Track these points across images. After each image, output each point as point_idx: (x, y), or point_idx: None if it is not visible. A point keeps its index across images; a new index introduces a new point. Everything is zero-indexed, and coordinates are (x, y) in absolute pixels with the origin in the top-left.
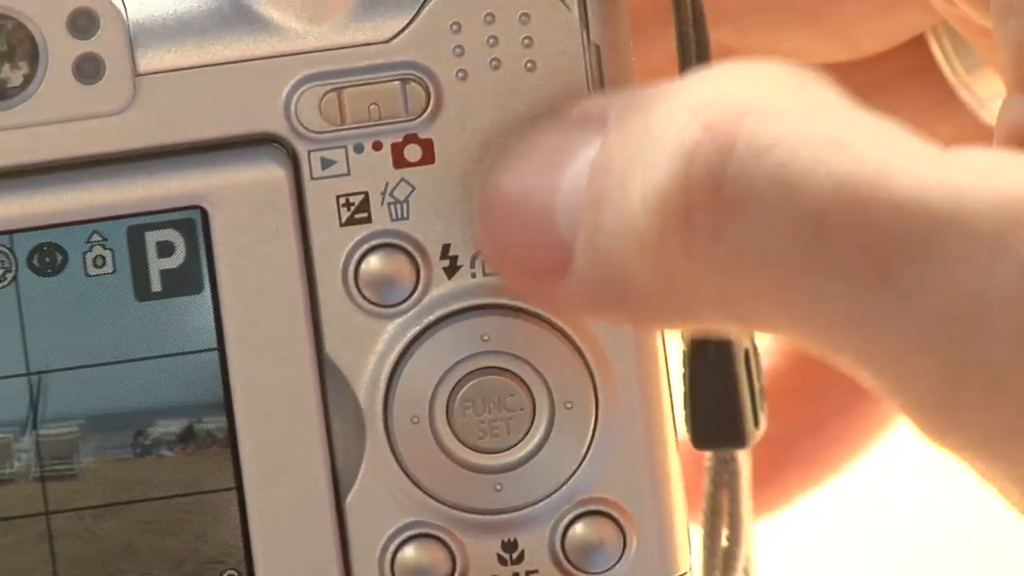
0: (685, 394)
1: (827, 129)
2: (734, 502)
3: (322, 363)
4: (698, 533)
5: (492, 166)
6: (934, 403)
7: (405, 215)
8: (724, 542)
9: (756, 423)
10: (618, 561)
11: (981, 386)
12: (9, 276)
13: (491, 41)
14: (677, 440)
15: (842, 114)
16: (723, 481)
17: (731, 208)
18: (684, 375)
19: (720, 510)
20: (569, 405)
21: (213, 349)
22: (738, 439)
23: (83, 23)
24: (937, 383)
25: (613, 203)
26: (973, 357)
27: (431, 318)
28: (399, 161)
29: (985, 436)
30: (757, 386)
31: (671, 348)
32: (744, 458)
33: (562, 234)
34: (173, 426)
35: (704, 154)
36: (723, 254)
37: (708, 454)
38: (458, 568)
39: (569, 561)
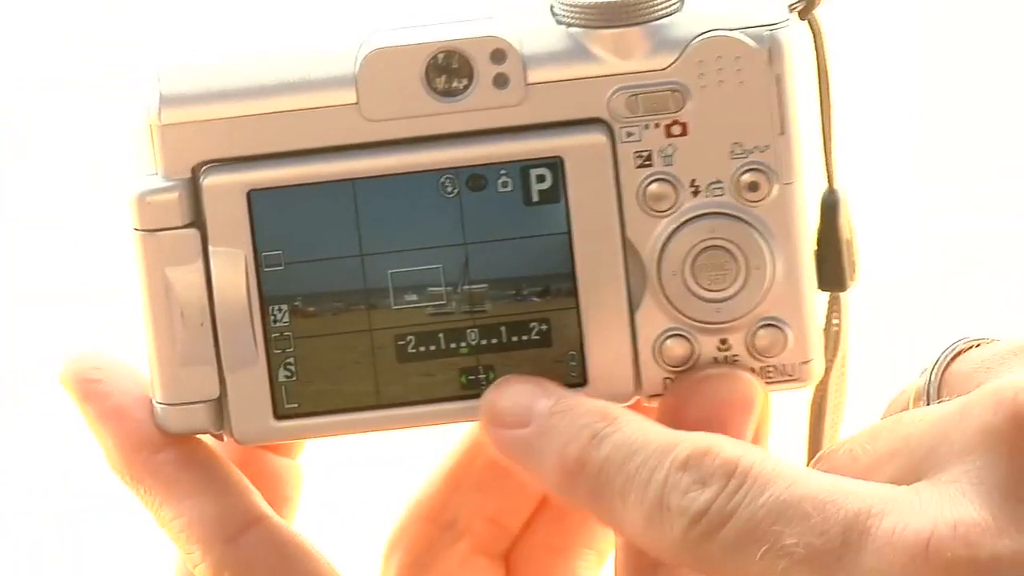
0: (816, 251)
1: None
2: (840, 325)
3: (625, 242)
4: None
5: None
6: None
7: (671, 163)
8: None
9: (852, 275)
10: (783, 350)
11: None
12: (455, 191)
13: (719, 67)
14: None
15: None
16: (835, 313)
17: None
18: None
19: (831, 328)
20: (757, 268)
21: (565, 233)
22: (841, 284)
23: (498, 55)
24: None
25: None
26: None
27: (684, 219)
28: (668, 133)
29: None
30: (855, 244)
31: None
32: (845, 297)
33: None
34: (542, 278)
35: None
36: None
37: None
38: (695, 353)
39: (756, 349)
